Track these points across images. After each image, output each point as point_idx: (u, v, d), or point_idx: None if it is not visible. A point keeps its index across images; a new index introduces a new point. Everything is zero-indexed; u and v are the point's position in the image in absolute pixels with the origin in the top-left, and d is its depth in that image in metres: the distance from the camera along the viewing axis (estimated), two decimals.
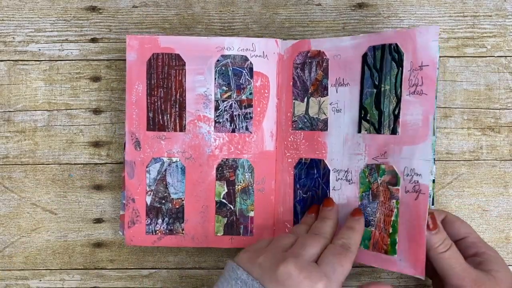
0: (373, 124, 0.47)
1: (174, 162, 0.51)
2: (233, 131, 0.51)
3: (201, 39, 0.50)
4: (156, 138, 0.50)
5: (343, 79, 0.48)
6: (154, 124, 0.50)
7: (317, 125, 0.49)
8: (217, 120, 0.51)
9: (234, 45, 0.50)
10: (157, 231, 0.51)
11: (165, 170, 0.51)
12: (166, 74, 0.50)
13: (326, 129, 0.49)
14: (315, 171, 0.49)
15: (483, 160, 0.53)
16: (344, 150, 0.48)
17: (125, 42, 0.52)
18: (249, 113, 0.51)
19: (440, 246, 0.44)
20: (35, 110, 0.53)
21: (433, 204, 0.48)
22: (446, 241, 0.44)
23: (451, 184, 0.53)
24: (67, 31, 0.54)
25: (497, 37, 0.53)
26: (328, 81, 0.49)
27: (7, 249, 0.53)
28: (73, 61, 0.54)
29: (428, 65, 0.43)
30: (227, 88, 0.51)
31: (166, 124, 0.50)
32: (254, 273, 0.41)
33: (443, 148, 0.53)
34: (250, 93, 0.50)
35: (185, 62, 0.50)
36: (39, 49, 0.53)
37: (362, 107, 0.47)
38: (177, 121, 0.50)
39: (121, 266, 0.53)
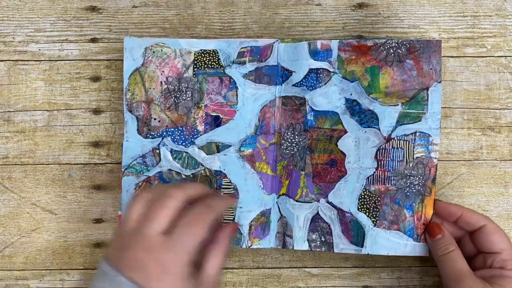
0: None
1: None
2: None
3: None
4: None
5: None
6: None
7: None
8: None
9: None
10: None
11: None
12: None
13: None
14: None
15: (483, 160, 0.53)
16: None
17: None
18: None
19: (440, 249, 0.46)
20: (35, 110, 0.53)
21: None
22: (447, 246, 0.45)
23: (451, 184, 0.53)
24: (67, 31, 0.54)
25: (497, 37, 0.53)
26: None
27: (7, 249, 0.53)
28: (73, 61, 0.54)
29: None
30: None
31: None
32: (111, 260, 0.39)
33: (443, 148, 0.53)
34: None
35: None
36: (39, 49, 0.53)
37: None
38: None
39: None
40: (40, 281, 0.53)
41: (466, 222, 0.47)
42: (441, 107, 0.53)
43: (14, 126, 0.53)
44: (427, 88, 0.48)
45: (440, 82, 0.48)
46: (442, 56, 0.53)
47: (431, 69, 0.48)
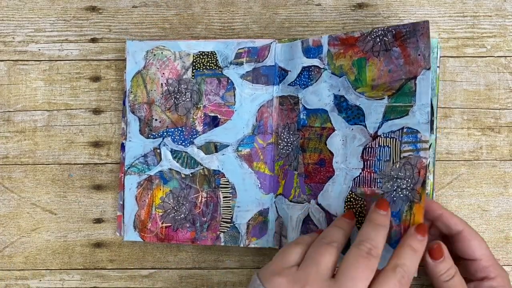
0: None
1: None
2: None
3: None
4: None
5: None
6: None
7: None
8: None
9: None
10: None
11: None
12: None
13: None
14: None
15: (483, 160, 0.53)
16: None
17: (125, 42, 0.53)
18: None
19: (443, 275, 0.44)
20: (35, 110, 0.53)
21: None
22: (450, 271, 0.44)
23: (451, 184, 0.53)
24: (67, 31, 0.54)
25: (497, 37, 0.53)
26: None
27: (7, 249, 0.53)
28: (73, 61, 0.54)
29: None
30: None
31: None
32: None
33: (443, 148, 0.53)
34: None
35: None
36: (39, 49, 0.54)
37: None
38: None
39: (121, 266, 0.53)
40: (40, 281, 0.53)
41: (444, 224, 0.45)
42: (441, 107, 0.53)
43: (14, 126, 0.53)
44: (415, 77, 0.43)
45: (429, 69, 0.42)
46: (442, 56, 0.53)
47: (419, 55, 0.43)
